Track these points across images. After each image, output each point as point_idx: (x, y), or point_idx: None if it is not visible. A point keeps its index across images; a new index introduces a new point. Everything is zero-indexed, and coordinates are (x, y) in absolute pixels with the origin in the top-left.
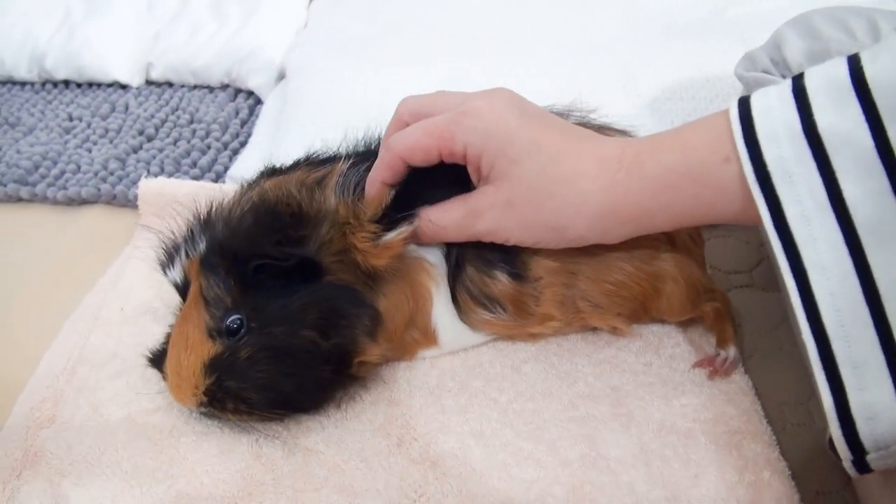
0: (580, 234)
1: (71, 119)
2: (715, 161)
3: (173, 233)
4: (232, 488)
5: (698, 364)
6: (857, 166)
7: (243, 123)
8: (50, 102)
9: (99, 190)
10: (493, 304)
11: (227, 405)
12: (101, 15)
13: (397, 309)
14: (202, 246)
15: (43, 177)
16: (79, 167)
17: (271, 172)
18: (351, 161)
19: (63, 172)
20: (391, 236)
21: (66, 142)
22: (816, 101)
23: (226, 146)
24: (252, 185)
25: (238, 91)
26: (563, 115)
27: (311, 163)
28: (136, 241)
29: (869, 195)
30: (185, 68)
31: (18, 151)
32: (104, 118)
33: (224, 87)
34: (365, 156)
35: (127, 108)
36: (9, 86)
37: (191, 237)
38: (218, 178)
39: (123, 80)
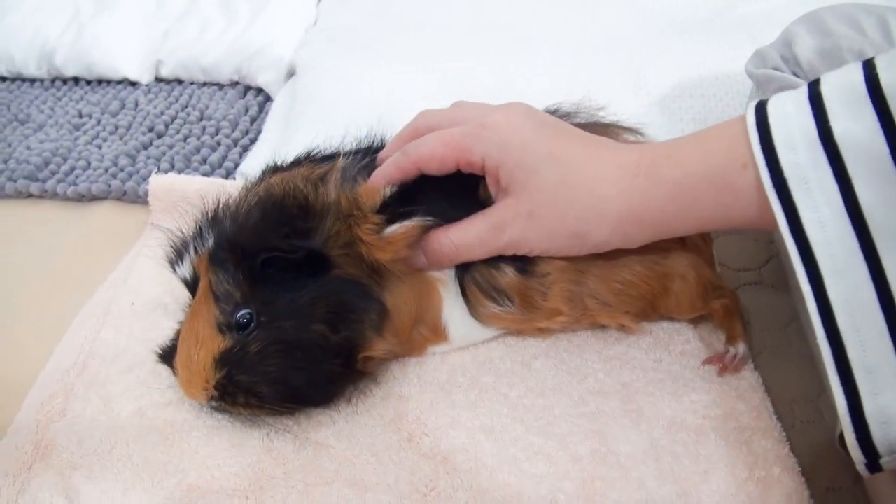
0: (603, 239)
1: (81, 116)
2: (733, 167)
3: (182, 229)
4: (243, 482)
5: (708, 361)
6: (873, 172)
7: (253, 120)
8: (59, 99)
9: (109, 186)
10: (501, 296)
11: (237, 399)
12: (111, 12)
13: (405, 305)
14: (210, 242)
15: (53, 173)
16: (89, 163)
17: (274, 170)
18: (351, 156)
19: (73, 169)
20: (394, 229)
21: (76, 138)
22: (832, 107)
23: (236, 143)
24: (257, 182)
25: (247, 88)
26: (571, 113)
27: (313, 159)
28: (146, 238)
29: (884, 201)
30: (194, 65)
31: (28, 148)
32: (114, 115)
33: (234, 84)
34: (366, 152)
35: (137, 105)
36: (18, 83)
37: (199, 233)
38: (228, 174)
39: (133, 77)
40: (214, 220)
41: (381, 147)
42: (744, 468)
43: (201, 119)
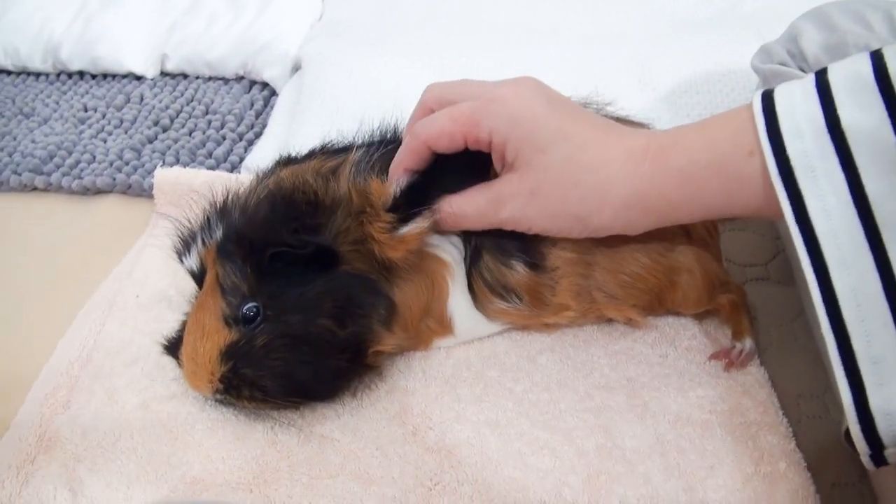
0: (604, 223)
1: (86, 110)
2: (739, 154)
3: (189, 221)
4: (247, 475)
5: (714, 356)
6: (879, 162)
7: (258, 115)
8: (65, 93)
9: (114, 179)
10: (510, 293)
11: (242, 392)
12: (117, 7)
13: (413, 299)
14: (219, 234)
15: (58, 166)
16: (94, 157)
17: (287, 161)
18: (364, 150)
19: (78, 162)
20: (408, 229)
21: (80, 132)
22: (840, 96)
23: (241, 137)
24: (268, 174)
25: (253, 83)
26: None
27: (326, 152)
28: (151, 230)
29: (891, 191)
30: (200, 60)
31: (33, 141)
32: (119, 109)
33: (239, 78)
34: (379, 145)
35: (142, 99)
36: (24, 76)
37: (207, 225)
38: (233, 168)
39: (138, 71)
40: (223, 211)
41: (395, 139)
42: (750, 463)
43: (206, 113)
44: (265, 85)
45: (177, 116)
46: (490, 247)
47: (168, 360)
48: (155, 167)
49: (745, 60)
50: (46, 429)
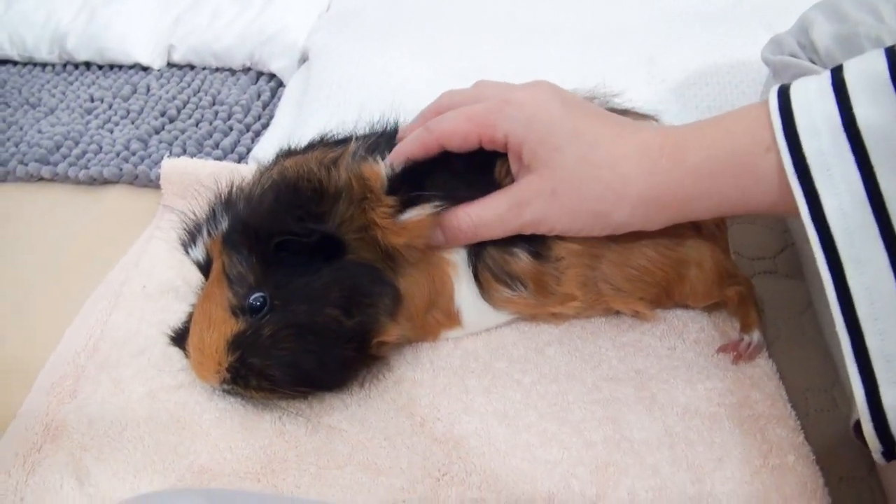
0: (623, 219)
1: (92, 100)
2: (757, 150)
3: (195, 212)
4: (255, 464)
5: (722, 349)
6: (895, 161)
7: (265, 106)
8: (71, 84)
9: (121, 170)
10: (514, 281)
11: (250, 382)
12: None
13: (418, 289)
14: (224, 224)
15: (64, 156)
16: (100, 147)
17: (288, 153)
18: (363, 140)
19: (84, 152)
20: (410, 215)
21: (87, 122)
22: (855, 94)
23: (248, 128)
24: (270, 165)
25: (260, 74)
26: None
27: (326, 143)
28: (158, 221)
29: None
30: (206, 51)
31: (40, 131)
32: (125, 99)
33: (246, 69)
34: (379, 136)
35: (148, 89)
36: (30, 67)
37: (213, 216)
38: (240, 159)
39: (145, 62)
40: (228, 202)
41: (394, 131)
42: (758, 456)
43: (213, 104)
44: (272, 76)
45: (183, 107)
46: None
47: (175, 351)
48: (162, 158)
49: (755, 52)
50: (53, 418)
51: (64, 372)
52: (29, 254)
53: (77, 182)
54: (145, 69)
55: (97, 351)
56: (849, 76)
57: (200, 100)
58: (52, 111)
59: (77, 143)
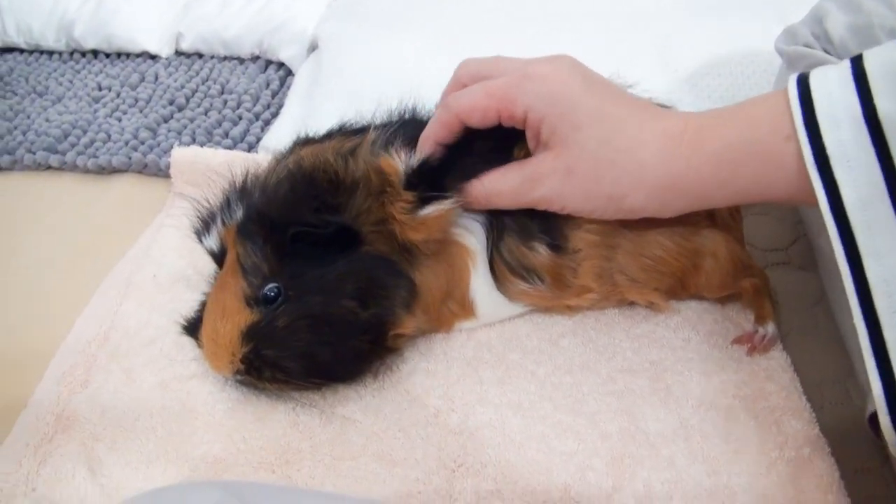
0: (639, 204)
1: (100, 89)
2: (777, 138)
3: (208, 201)
4: (269, 455)
5: (737, 340)
6: None
7: (274, 94)
8: (78, 72)
9: (129, 159)
10: (531, 274)
11: (263, 373)
12: None
13: (434, 281)
14: (239, 213)
15: (73, 145)
16: (109, 136)
17: (305, 142)
18: (381, 129)
19: (93, 141)
20: (429, 211)
21: (95, 111)
22: (876, 85)
23: (257, 117)
24: (286, 154)
25: (269, 62)
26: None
27: (344, 132)
28: (168, 210)
29: None
30: (215, 39)
31: (47, 120)
32: (133, 88)
33: (254, 58)
34: (397, 125)
35: (156, 78)
36: (36, 55)
37: (227, 205)
38: (250, 148)
39: (153, 50)
40: (243, 191)
41: (412, 119)
42: (774, 448)
43: (222, 93)
44: (281, 65)
45: (192, 96)
46: (512, 228)
47: (186, 340)
48: (171, 147)
49: (768, 42)
50: (64, 408)
51: (75, 361)
52: (38, 243)
53: (86, 171)
54: (153, 57)
55: (108, 340)
56: (869, 66)
57: (209, 88)
58: (59, 100)
59: (85, 132)
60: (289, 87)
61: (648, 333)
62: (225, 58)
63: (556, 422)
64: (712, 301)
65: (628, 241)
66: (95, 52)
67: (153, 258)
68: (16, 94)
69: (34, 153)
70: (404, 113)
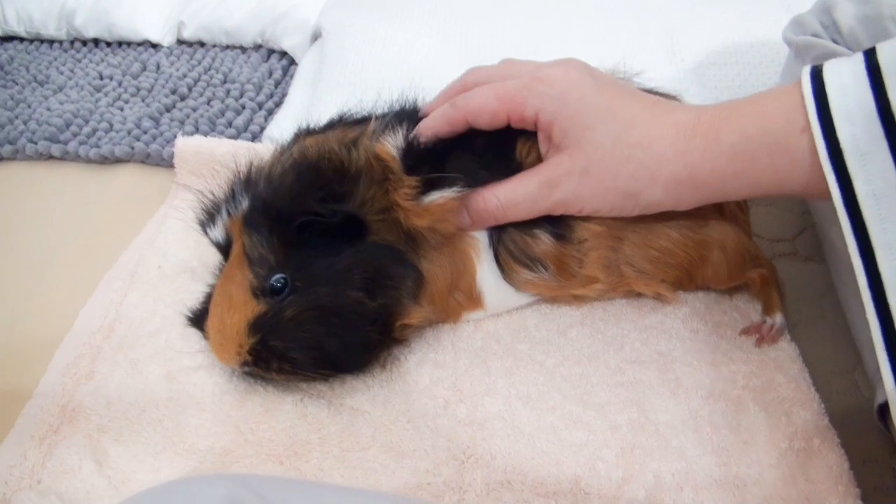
0: (656, 199)
1: (101, 78)
2: (792, 131)
3: (213, 192)
4: (278, 447)
5: (745, 331)
6: None
7: (277, 84)
8: (79, 61)
9: (132, 148)
10: (535, 263)
11: (271, 365)
12: None
13: (440, 271)
14: (244, 204)
15: (74, 134)
16: (111, 125)
17: (306, 133)
18: (382, 119)
19: (95, 130)
20: (433, 198)
21: (97, 100)
22: (889, 80)
23: (260, 106)
24: (290, 144)
25: (271, 51)
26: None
27: (345, 123)
28: (172, 200)
29: None
30: (217, 28)
31: (49, 109)
32: (135, 77)
33: (257, 47)
34: (398, 114)
35: (158, 67)
36: (37, 43)
37: (232, 196)
38: (254, 138)
39: (154, 39)
40: (248, 182)
41: (414, 110)
42: (783, 439)
43: (225, 82)
44: (283, 54)
45: (195, 85)
46: None
47: (192, 332)
48: (173, 136)
49: (775, 32)
50: (70, 399)
51: (80, 353)
52: (41, 233)
53: (88, 160)
54: (155, 46)
55: (113, 332)
56: (883, 60)
57: (212, 78)
58: (60, 89)
59: (87, 122)
60: (292, 77)
61: (657, 324)
62: (227, 47)
63: (566, 413)
64: (720, 292)
65: (635, 232)
66: (96, 41)
67: (158, 249)
68: (16, 84)
69: (36, 143)
70: (405, 104)
